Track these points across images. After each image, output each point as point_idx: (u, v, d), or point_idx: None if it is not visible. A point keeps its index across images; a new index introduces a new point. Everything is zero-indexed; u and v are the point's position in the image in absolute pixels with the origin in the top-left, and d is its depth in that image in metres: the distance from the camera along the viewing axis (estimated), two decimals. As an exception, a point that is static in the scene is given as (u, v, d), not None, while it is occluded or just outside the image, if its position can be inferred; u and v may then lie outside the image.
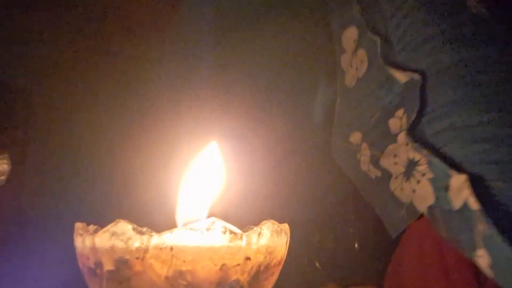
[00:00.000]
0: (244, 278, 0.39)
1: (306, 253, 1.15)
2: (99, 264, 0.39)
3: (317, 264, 1.05)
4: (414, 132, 0.70)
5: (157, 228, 0.39)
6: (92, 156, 1.00)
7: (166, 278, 0.38)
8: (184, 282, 0.38)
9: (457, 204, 0.63)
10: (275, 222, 0.42)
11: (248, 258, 0.39)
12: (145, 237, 0.38)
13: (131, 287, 0.38)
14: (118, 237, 0.38)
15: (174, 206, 0.46)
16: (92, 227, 0.42)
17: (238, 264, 0.39)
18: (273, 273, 0.42)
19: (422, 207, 0.69)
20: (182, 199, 0.46)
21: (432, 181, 0.66)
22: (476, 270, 0.66)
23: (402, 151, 0.72)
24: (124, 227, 0.38)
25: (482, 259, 0.60)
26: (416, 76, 0.71)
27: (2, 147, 0.90)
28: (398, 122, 0.74)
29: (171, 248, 0.37)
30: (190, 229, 0.38)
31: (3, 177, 0.82)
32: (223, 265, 0.38)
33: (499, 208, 0.62)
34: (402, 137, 0.72)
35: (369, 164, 0.83)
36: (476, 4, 0.77)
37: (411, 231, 0.80)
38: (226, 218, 0.39)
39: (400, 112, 0.74)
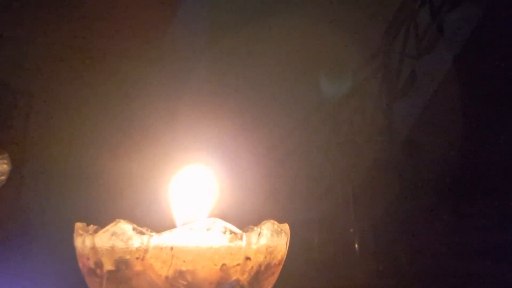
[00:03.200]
0: (244, 278, 0.39)
1: (306, 253, 1.15)
2: (99, 264, 0.39)
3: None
4: None
5: (157, 228, 0.39)
6: (92, 156, 1.00)
7: (166, 278, 0.38)
8: (184, 282, 0.38)
9: None
10: (275, 222, 0.41)
11: (248, 258, 0.39)
12: (145, 237, 0.37)
13: (131, 287, 0.38)
14: (118, 237, 0.38)
15: (174, 206, 0.46)
16: (92, 227, 0.41)
17: (238, 264, 0.39)
18: (273, 273, 0.42)
19: None
20: (180, 200, 0.46)
21: None
22: None
23: None
24: (124, 227, 0.38)
25: None
26: None
27: (2, 147, 0.89)
28: None
29: (171, 248, 0.37)
30: (190, 229, 0.38)
31: (3, 177, 0.82)
32: (223, 265, 0.38)
33: None
34: None
35: None
36: None
37: None
38: (226, 218, 0.39)
39: None
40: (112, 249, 0.38)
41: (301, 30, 1.13)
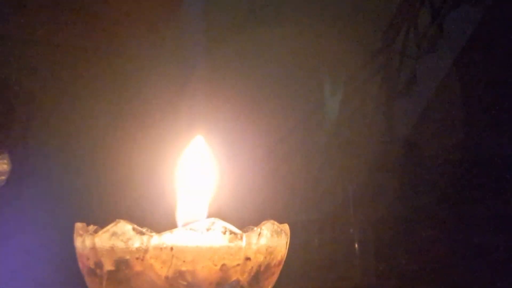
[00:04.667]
0: (244, 278, 0.39)
1: (306, 253, 1.15)
2: (99, 264, 0.39)
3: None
4: None
5: (157, 228, 0.39)
6: (92, 156, 1.00)
7: (166, 278, 0.38)
8: (184, 282, 0.38)
9: None
10: (275, 222, 0.41)
11: (248, 258, 0.39)
12: (145, 237, 0.37)
13: (131, 287, 0.38)
14: (118, 237, 0.38)
15: (174, 206, 0.46)
16: (92, 227, 0.41)
17: (238, 264, 0.39)
18: (273, 273, 0.42)
19: None
20: (181, 198, 0.46)
21: None
22: None
23: None
24: (124, 227, 0.38)
25: None
26: None
27: (2, 147, 0.89)
28: None
29: (171, 248, 0.37)
30: (190, 229, 0.38)
31: (3, 177, 0.82)
32: (223, 265, 0.38)
33: None
34: None
35: None
36: None
37: None
38: (226, 218, 0.39)
39: None
40: (112, 249, 0.38)
41: (301, 30, 1.13)
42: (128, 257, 0.38)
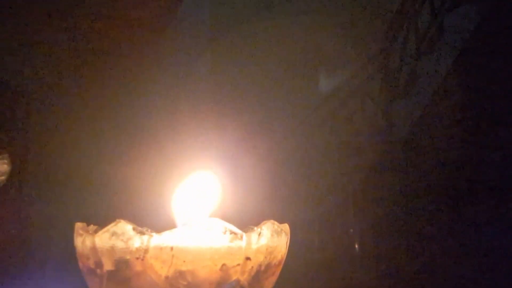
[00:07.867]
0: (244, 278, 0.39)
1: (306, 253, 1.15)
2: (99, 264, 0.39)
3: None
4: None
5: (157, 228, 0.39)
6: (92, 156, 1.00)
7: (166, 278, 0.38)
8: (184, 282, 0.38)
9: None
10: (275, 222, 0.41)
11: (248, 258, 0.39)
12: (145, 237, 0.37)
13: (131, 287, 0.38)
14: (118, 237, 0.38)
15: (174, 206, 0.46)
16: (92, 227, 0.41)
17: (238, 264, 0.39)
18: (273, 273, 0.42)
19: None
20: (184, 204, 0.46)
21: None
22: None
23: None
24: (124, 227, 0.38)
25: None
26: None
27: (2, 147, 0.89)
28: None
29: (171, 248, 0.37)
30: (190, 229, 0.38)
31: (3, 177, 0.82)
32: (223, 265, 0.38)
33: None
34: None
35: None
36: None
37: None
38: (226, 218, 0.39)
39: None
40: (112, 249, 0.38)
41: (301, 31, 1.13)
42: (128, 257, 0.38)
